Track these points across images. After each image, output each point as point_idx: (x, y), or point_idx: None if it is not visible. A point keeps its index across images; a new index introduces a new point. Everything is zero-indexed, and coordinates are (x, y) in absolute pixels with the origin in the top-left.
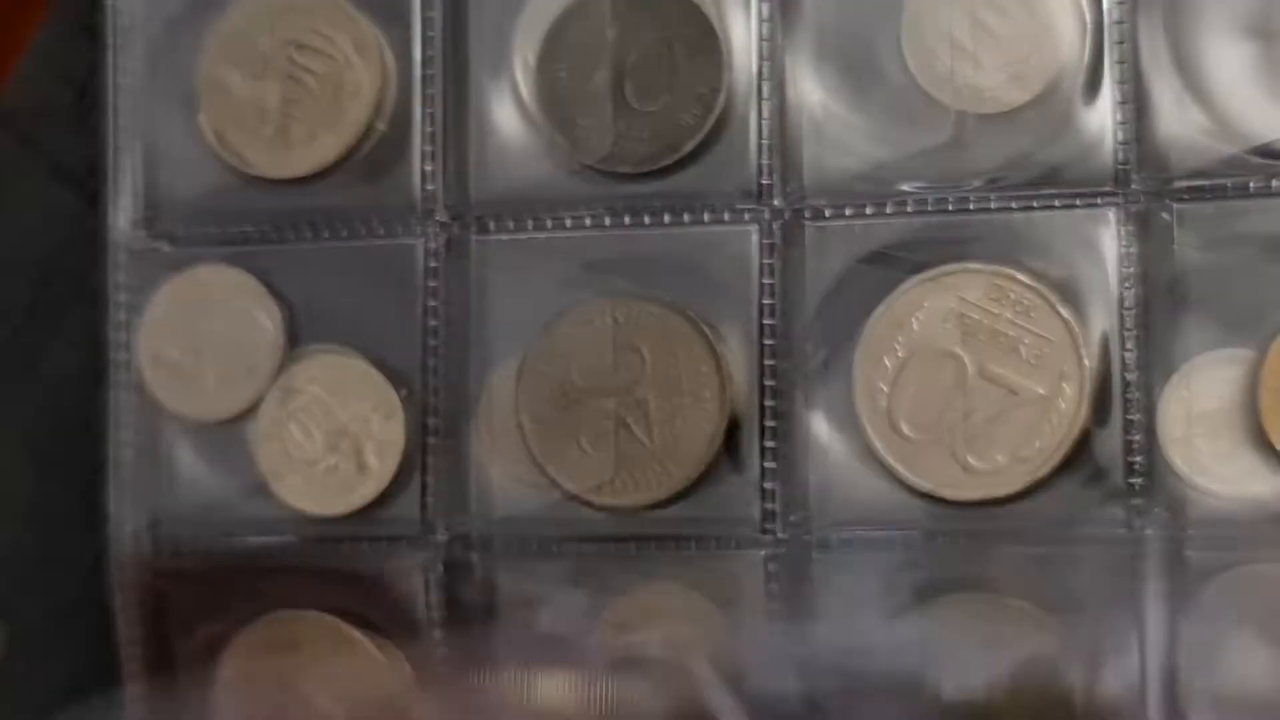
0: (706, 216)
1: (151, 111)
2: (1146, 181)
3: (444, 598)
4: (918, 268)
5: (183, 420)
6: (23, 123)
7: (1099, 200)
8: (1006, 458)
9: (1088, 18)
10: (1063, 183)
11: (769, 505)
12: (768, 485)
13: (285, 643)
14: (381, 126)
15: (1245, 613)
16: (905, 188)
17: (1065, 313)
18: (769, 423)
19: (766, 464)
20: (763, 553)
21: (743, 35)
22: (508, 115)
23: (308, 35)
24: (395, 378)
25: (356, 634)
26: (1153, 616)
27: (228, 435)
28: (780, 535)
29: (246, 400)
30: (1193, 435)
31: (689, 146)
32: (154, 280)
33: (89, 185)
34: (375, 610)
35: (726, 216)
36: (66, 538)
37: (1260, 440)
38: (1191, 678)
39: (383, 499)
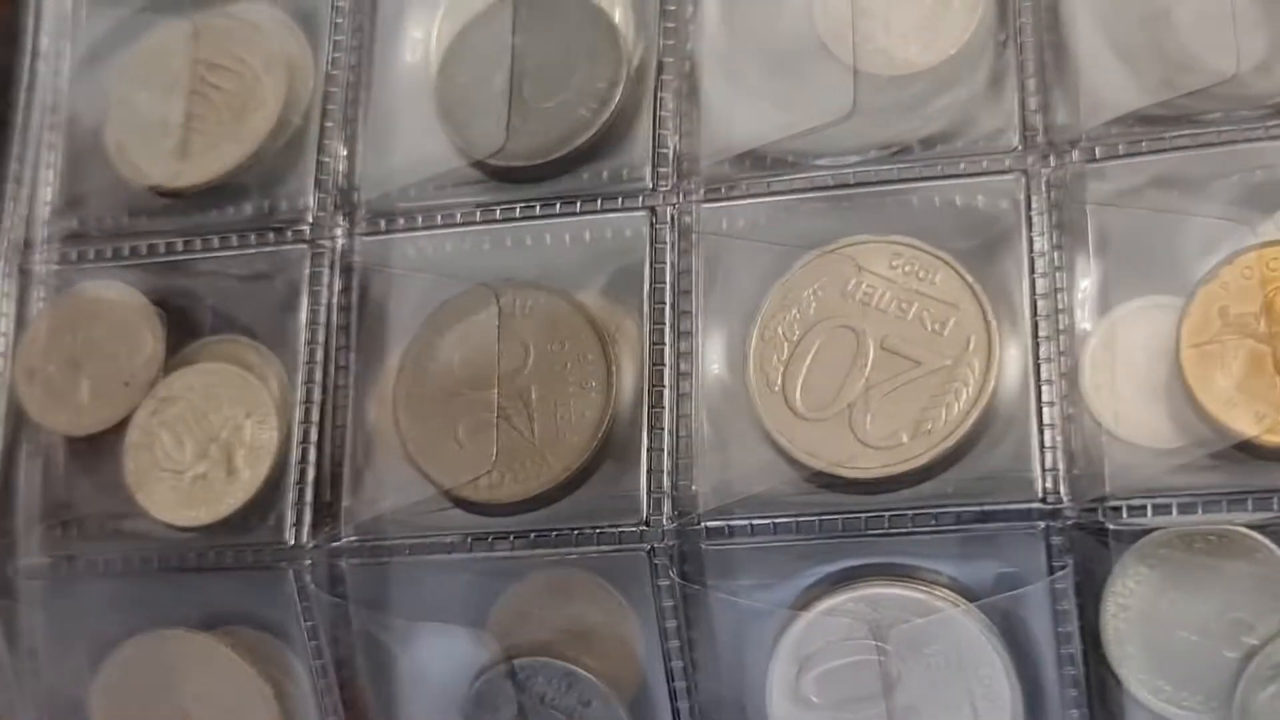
0: (599, 204)
1: (64, 134)
2: (1056, 145)
3: (319, 607)
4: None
5: (54, 435)
6: None
7: (1007, 166)
8: (910, 431)
9: None
10: (969, 151)
11: (655, 494)
12: (653, 472)
13: (159, 662)
14: (297, 120)
15: None
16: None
17: (970, 278)
18: (655, 408)
19: (653, 457)
20: (648, 546)
21: (638, 32)
22: (407, 122)
23: (221, 55)
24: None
25: (229, 650)
26: None
27: (101, 448)
28: (666, 527)
29: (121, 412)
30: (1116, 384)
31: (584, 139)
32: (40, 298)
33: None
34: (251, 626)
35: (619, 202)
36: None
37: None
38: None
39: (256, 507)
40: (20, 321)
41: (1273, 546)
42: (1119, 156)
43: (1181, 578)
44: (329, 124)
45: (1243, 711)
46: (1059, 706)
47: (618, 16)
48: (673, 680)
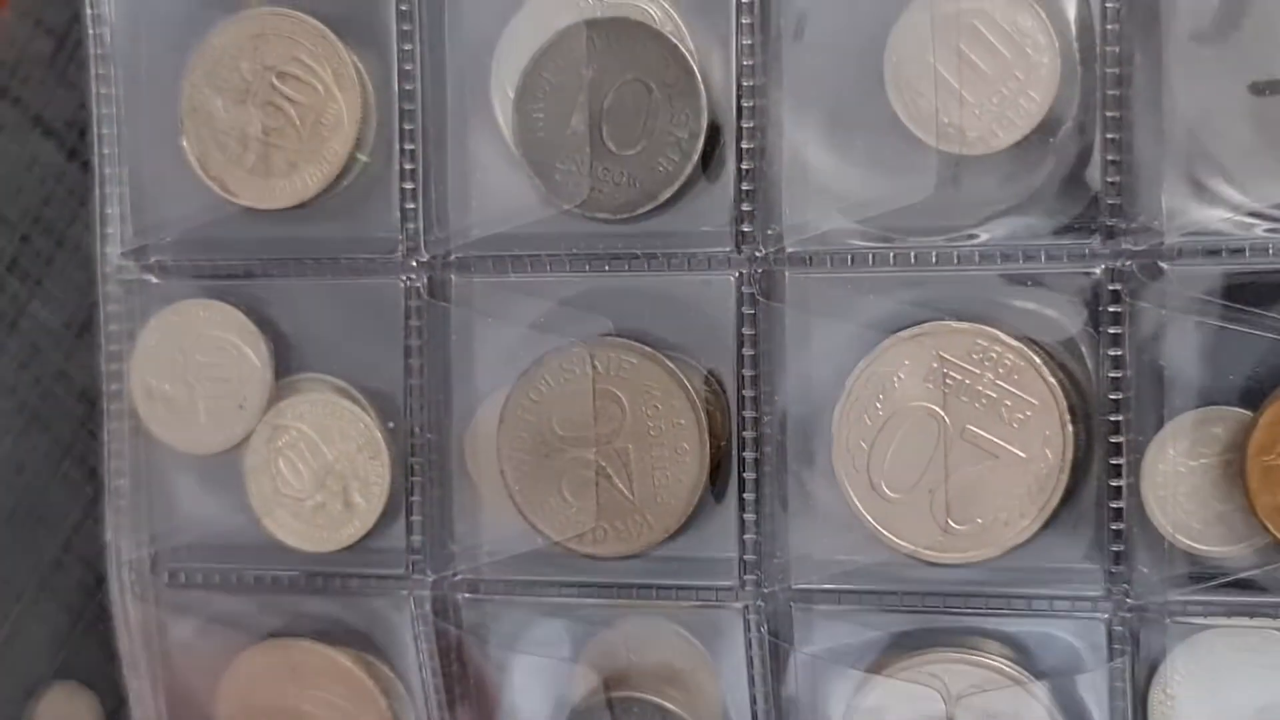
0: (687, 263)
1: (137, 133)
2: (1136, 238)
3: (431, 633)
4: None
5: (176, 452)
6: (2, 76)
7: (1086, 253)
8: (987, 520)
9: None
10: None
11: (748, 557)
12: (747, 538)
13: (281, 669)
14: (363, 158)
15: None
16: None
17: (1050, 377)
18: (748, 475)
19: (746, 516)
20: (742, 605)
21: (722, 77)
22: (488, 153)
23: (288, 63)
24: (382, 411)
25: (347, 662)
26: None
27: (221, 468)
28: (760, 589)
29: (238, 435)
30: (1178, 494)
31: (666, 194)
32: (145, 312)
33: (69, 138)
34: (366, 643)
35: (707, 264)
36: (49, 506)
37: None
38: None
39: (371, 535)
40: (121, 338)
41: None
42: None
43: (1227, 672)
44: (409, 147)
45: None
46: None
47: (691, 53)
48: None
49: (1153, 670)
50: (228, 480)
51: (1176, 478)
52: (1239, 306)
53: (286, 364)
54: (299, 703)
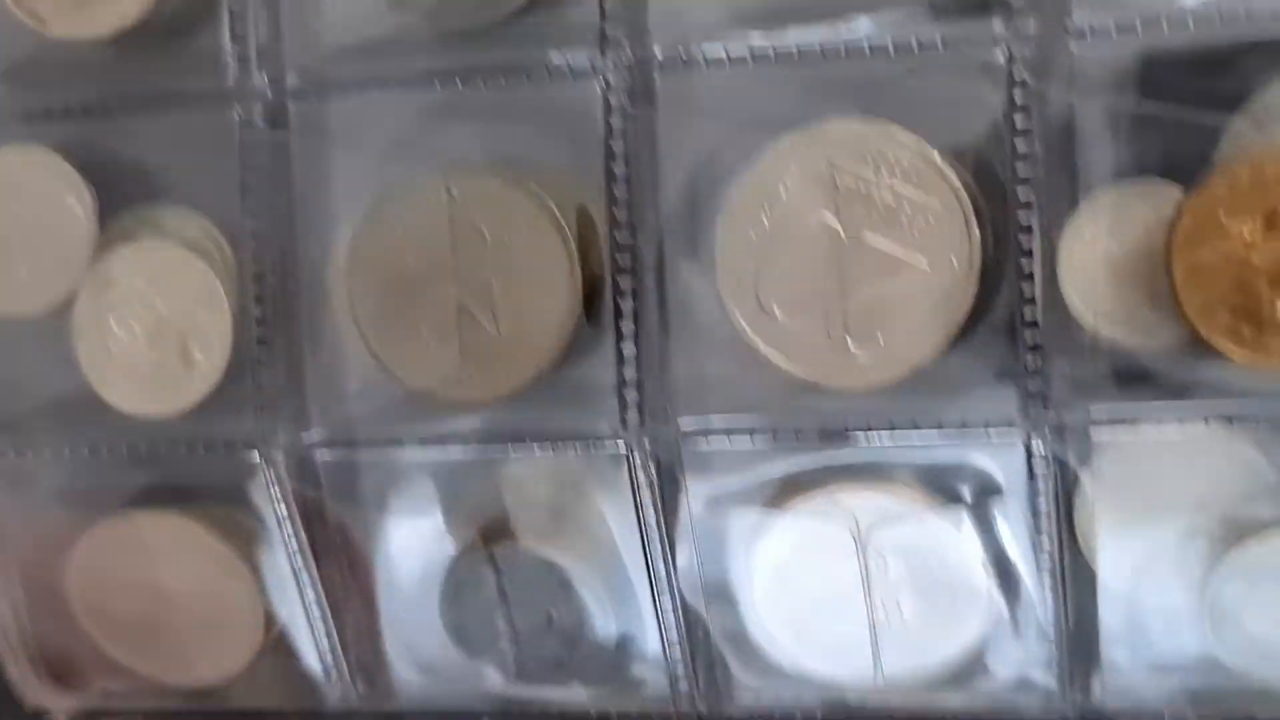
0: (546, 70)
1: None
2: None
3: (290, 497)
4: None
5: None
6: None
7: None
8: (889, 339)
9: None
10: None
11: (628, 393)
12: (626, 371)
13: (133, 543)
14: None
15: None
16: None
17: (952, 177)
18: (624, 302)
19: (624, 347)
20: (624, 446)
21: None
22: None
23: None
24: (223, 258)
25: (203, 531)
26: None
27: (50, 330)
28: (643, 429)
29: (62, 294)
30: (1098, 282)
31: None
32: None
33: None
34: (224, 510)
35: (567, 69)
36: None
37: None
38: None
39: (218, 395)
40: None
41: (1248, 444)
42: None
43: (1154, 474)
44: None
45: (1213, 601)
46: (1035, 596)
47: None
48: (651, 566)
49: (1076, 484)
50: (58, 346)
51: (1095, 264)
52: (1157, 85)
53: (115, 212)
54: (156, 575)
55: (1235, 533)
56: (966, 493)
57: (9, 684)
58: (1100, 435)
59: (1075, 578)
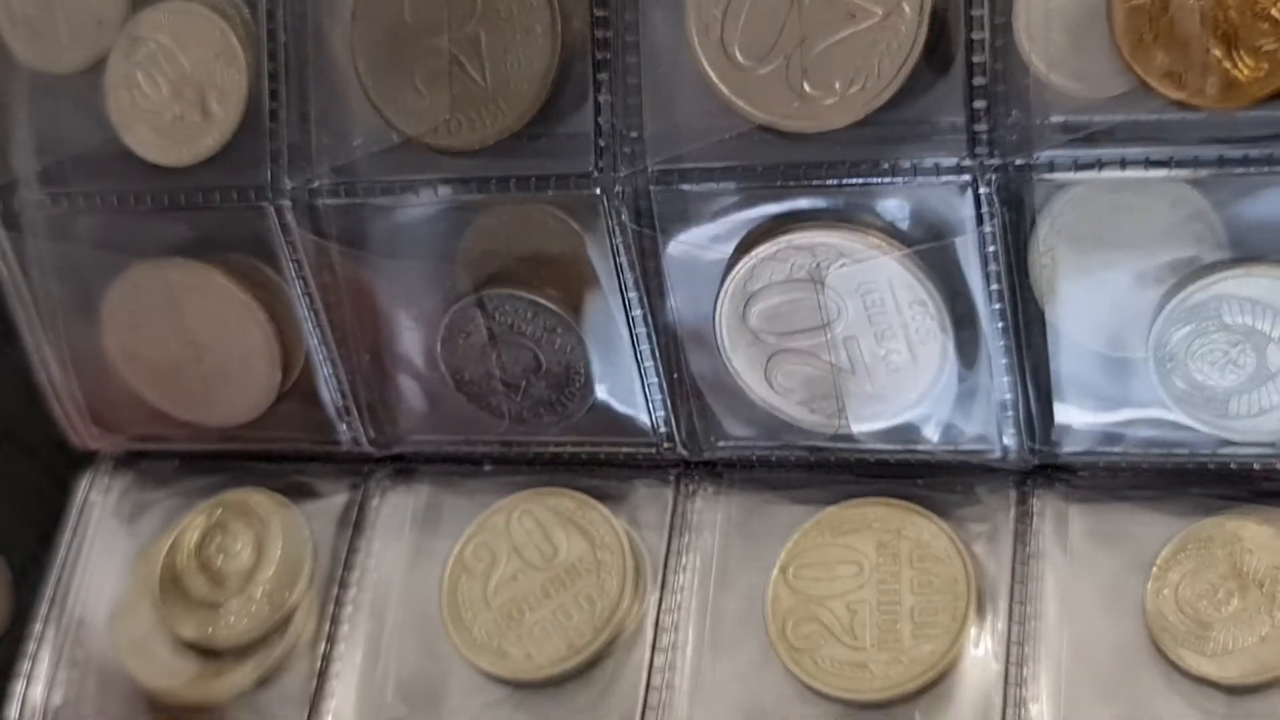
0: None
1: None
2: None
3: (300, 241)
4: None
5: (39, 72)
6: None
7: None
8: (844, 83)
9: None
10: None
11: (602, 143)
12: (601, 119)
13: (159, 289)
14: None
15: None
16: None
17: None
18: (600, 53)
19: (600, 98)
20: (599, 189)
21: None
22: None
23: None
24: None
25: (222, 278)
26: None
27: (85, 88)
28: (616, 172)
29: (97, 52)
30: (1050, 29)
31: None
32: None
33: None
34: (242, 258)
35: None
36: None
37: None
38: None
39: (232, 146)
40: None
41: (1193, 191)
42: None
43: (1104, 221)
44: None
45: (1158, 347)
46: (989, 340)
47: None
48: (630, 311)
49: (1031, 231)
50: (93, 99)
51: (1048, 11)
52: None
53: None
54: (183, 322)
55: (1181, 279)
56: (921, 236)
57: (58, 428)
58: (1049, 180)
59: (1029, 324)
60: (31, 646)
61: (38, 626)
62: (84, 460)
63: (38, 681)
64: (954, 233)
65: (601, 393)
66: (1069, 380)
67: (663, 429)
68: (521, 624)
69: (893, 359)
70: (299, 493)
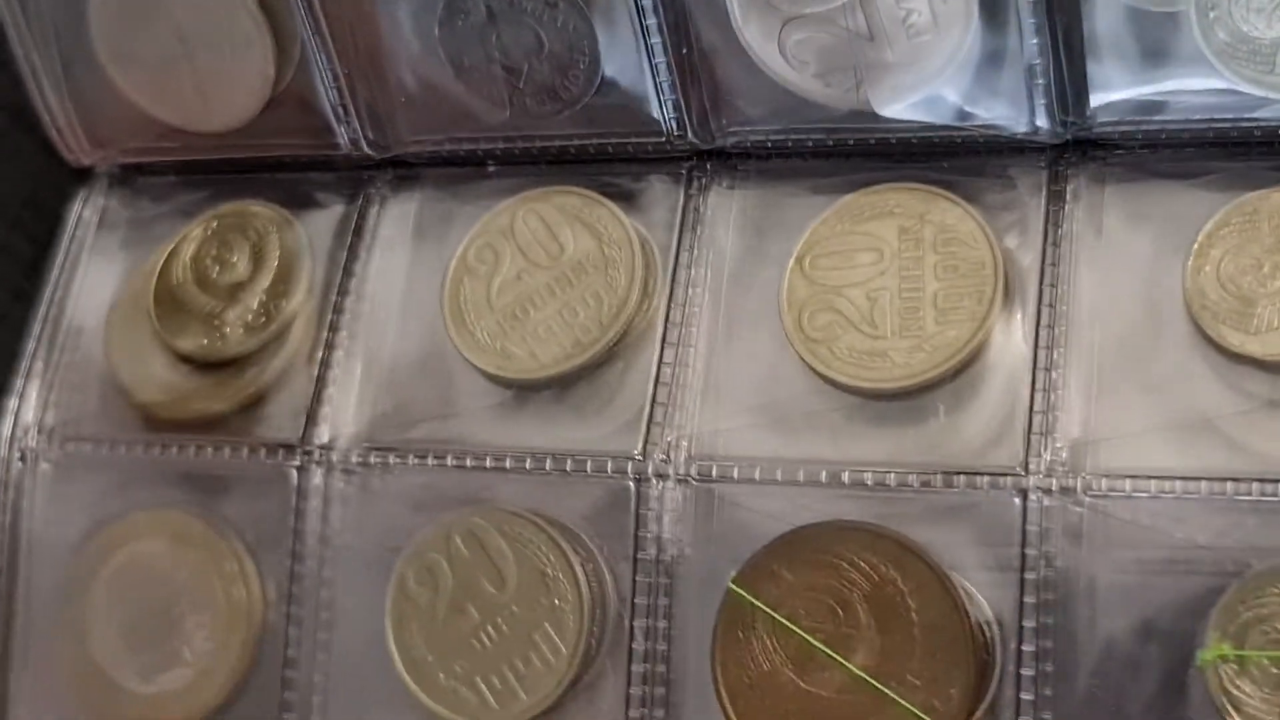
0: None
1: None
2: None
3: None
4: None
5: None
6: None
7: None
8: None
9: None
10: None
11: None
12: None
13: None
14: None
15: None
16: None
17: None
18: None
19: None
20: None
21: None
22: None
23: None
24: None
25: None
26: None
27: None
28: None
29: None
30: None
31: None
32: None
33: None
34: None
35: None
36: None
37: None
38: None
39: None
40: None
41: None
42: None
43: None
44: None
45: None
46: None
47: None
48: None
49: None
50: None
51: None
52: None
53: None
54: (172, 11)
55: None
56: None
57: (53, 145)
58: None
59: None
60: (25, 364)
61: (32, 344)
62: (80, 176)
63: (30, 399)
64: None
65: (607, 74)
66: (1104, 40)
67: (672, 115)
68: (525, 323)
69: (913, 20)
70: (298, 203)
